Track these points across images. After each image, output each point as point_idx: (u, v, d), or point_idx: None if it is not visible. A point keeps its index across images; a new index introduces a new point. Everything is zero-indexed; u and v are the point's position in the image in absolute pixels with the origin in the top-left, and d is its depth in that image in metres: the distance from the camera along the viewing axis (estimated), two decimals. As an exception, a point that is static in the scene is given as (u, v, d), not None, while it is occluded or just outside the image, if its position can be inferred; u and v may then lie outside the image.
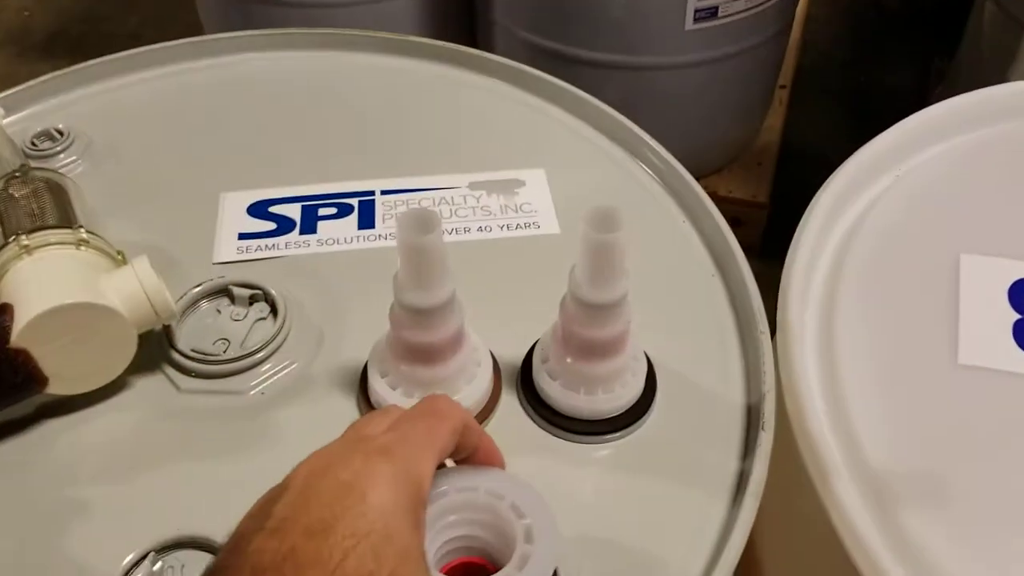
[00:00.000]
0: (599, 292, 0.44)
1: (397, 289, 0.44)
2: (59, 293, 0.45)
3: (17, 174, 0.55)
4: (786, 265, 0.60)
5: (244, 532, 0.31)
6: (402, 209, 0.62)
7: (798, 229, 0.62)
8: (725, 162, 1.50)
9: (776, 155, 1.54)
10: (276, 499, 0.32)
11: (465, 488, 0.38)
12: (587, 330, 0.45)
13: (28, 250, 0.47)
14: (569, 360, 0.47)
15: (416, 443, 0.35)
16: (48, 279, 0.46)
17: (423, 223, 0.41)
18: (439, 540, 0.38)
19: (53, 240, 0.49)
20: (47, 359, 0.45)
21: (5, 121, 0.64)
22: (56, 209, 0.52)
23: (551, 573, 0.38)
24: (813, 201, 0.64)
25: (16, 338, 0.44)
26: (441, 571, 0.38)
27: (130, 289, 0.47)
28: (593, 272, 0.43)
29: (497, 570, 0.38)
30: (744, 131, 1.51)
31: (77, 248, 0.49)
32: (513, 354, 0.52)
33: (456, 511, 0.38)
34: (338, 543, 0.29)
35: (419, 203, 0.63)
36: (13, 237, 0.48)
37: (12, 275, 0.47)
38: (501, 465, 0.41)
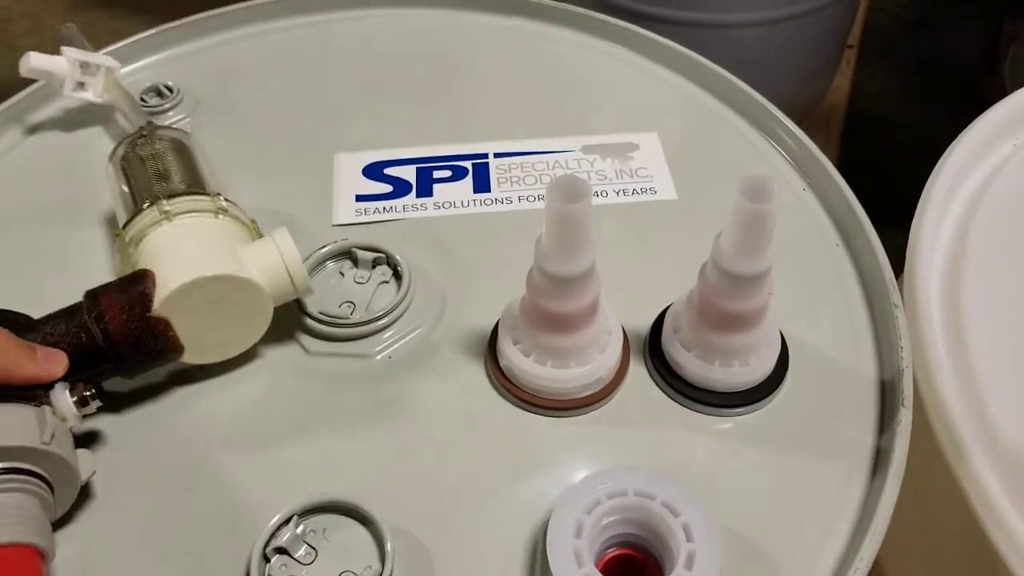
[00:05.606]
0: (747, 264, 0.43)
1: (540, 256, 0.43)
2: (203, 264, 0.45)
3: (144, 133, 0.54)
4: (911, 239, 0.58)
5: None
6: (516, 173, 0.61)
7: (920, 202, 0.60)
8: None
9: (843, 116, 1.51)
10: None
11: (615, 493, 0.40)
12: (730, 302, 0.44)
13: (168, 216, 0.47)
14: (706, 331, 0.47)
15: None
16: (191, 249, 0.46)
17: (573, 191, 0.40)
18: (598, 541, 0.40)
19: (193, 207, 0.48)
20: (185, 329, 0.45)
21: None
22: (185, 172, 0.52)
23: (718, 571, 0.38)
24: (933, 174, 0.62)
25: (158, 307, 0.44)
26: (600, 561, 0.40)
27: (270, 261, 0.47)
28: (742, 243, 0.42)
29: (655, 563, 0.39)
30: (814, 91, 1.48)
31: (215, 216, 0.48)
32: (635, 322, 0.51)
33: (610, 514, 0.40)
34: None
35: (533, 167, 0.62)
36: (149, 202, 0.48)
37: (152, 240, 0.47)
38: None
